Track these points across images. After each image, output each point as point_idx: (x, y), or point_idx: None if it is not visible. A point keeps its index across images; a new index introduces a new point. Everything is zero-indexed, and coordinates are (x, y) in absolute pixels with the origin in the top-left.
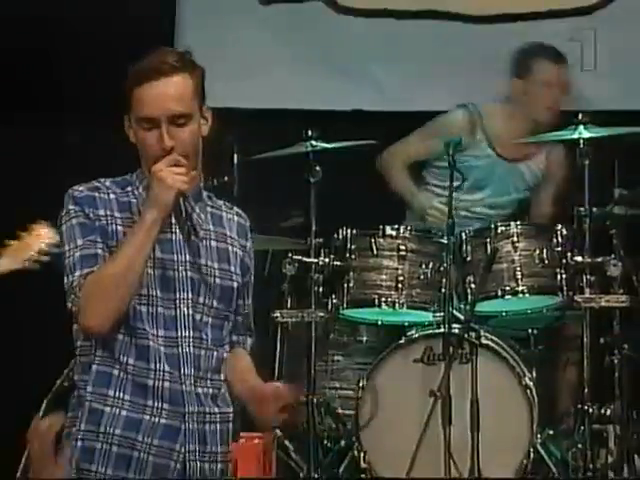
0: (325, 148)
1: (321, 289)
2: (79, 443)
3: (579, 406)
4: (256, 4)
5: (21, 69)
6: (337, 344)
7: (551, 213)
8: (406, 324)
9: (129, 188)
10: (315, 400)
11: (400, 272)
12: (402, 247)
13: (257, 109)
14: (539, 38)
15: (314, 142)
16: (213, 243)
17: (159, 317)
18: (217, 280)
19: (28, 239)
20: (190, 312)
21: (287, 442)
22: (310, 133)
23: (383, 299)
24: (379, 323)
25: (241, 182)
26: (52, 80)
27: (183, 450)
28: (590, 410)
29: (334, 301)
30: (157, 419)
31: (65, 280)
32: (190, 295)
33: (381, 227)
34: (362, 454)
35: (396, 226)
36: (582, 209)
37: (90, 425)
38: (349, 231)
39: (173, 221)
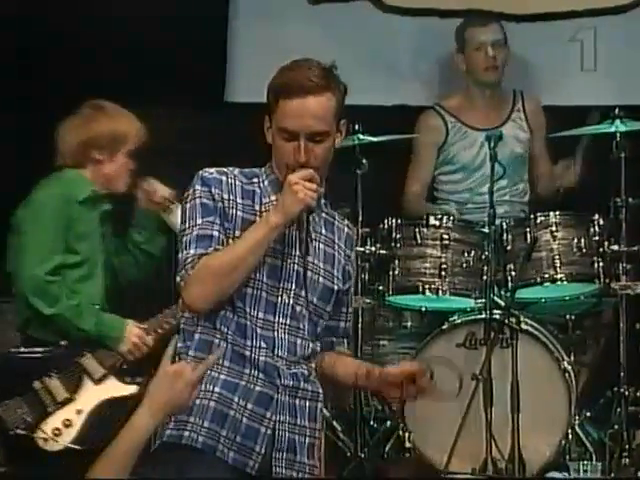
0: (371, 141)
1: (367, 277)
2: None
3: (615, 389)
4: (305, 3)
5: (81, 72)
6: (383, 329)
7: (551, 171)
8: (449, 310)
9: (255, 179)
10: None
11: (443, 260)
12: (445, 236)
13: None
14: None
15: (361, 136)
16: (322, 246)
17: (261, 300)
18: (320, 279)
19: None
20: (291, 302)
21: (335, 423)
22: (357, 127)
23: (427, 286)
24: (423, 309)
25: None
26: (106, 83)
27: (274, 418)
28: (626, 393)
29: (380, 288)
30: (252, 386)
31: (180, 255)
32: (294, 287)
33: (425, 217)
34: (407, 434)
35: (439, 216)
36: (618, 200)
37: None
38: (394, 221)
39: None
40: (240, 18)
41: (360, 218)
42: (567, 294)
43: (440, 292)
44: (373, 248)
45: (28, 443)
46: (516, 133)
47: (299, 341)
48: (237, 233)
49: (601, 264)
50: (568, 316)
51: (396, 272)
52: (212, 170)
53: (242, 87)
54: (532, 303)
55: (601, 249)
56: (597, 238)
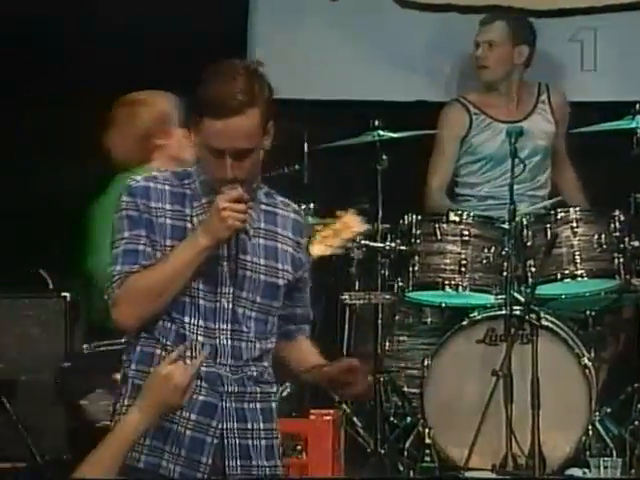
0: (391, 137)
1: (387, 272)
2: (122, 416)
3: (636, 385)
4: (325, 0)
5: (100, 71)
6: (402, 325)
7: (568, 166)
8: (469, 306)
9: (187, 180)
10: (382, 379)
11: (463, 256)
12: (465, 232)
13: (325, 100)
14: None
15: (381, 132)
16: (262, 241)
17: (200, 308)
18: (262, 276)
19: (339, 227)
20: (230, 306)
21: (355, 419)
22: (377, 123)
23: (447, 282)
24: (443, 305)
25: (311, 170)
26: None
27: (220, 426)
28: None
29: (400, 284)
30: (196, 396)
31: (110, 269)
32: (232, 290)
33: (445, 213)
34: (427, 430)
35: (459, 212)
36: (638, 196)
37: (132, 400)
38: (414, 217)
39: None
40: (261, 14)
41: (380, 214)
42: (587, 290)
43: (460, 288)
44: (393, 244)
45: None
46: (541, 125)
47: (243, 344)
48: (168, 242)
49: (621, 260)
50: (588, 312)
51: (416, 268)
52: (139, 178)
53: None
54: (552, 299)
55: (621, 245)
56: (617, 234)
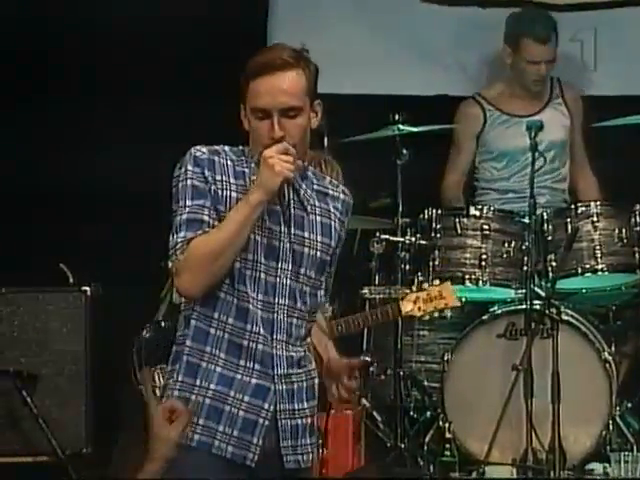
0: (411, 131)
1: (407, 267)
2: (175, 393)
3: None
4: None
5: (123, 70)
6: (423, 320)
7: (586, 159)
8: (489, 300)
9: (243, 158)
10: (402, 373)
11: (483, 251)
12: (485, 226)
13: (346, 94)
14: None
15: (401, 126)
16: (318, 218)
17: (261, 282)
18: (318, 253)
19: (433, 294)
20: (289, 282)
21: (375, 413)
22: (397, 117)
23: (467, 276)
24: (463, 300)
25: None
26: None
27: (272, 409)
28: None
29: (420, 278)
30: (248, 379)
31: (170, 238)
32: (291, 267)
33: (465, 207)
34: (447, 425)
35: (479, 206)
36: None
37: (187, 377)
38: (434, 211)
39: (284, 195)
40: (284, 6)
41: (400, 208)
42: (608, 285)
43: (480, 282)
44: (413, 238)
45: None
46: (557, 118)
47: (295, 321)
48: None
49: None
50: (609, 307)
51: (436, 262)
52: (204, 150)
53: None
54: (573, 294)
55: None
56: (638, 228)
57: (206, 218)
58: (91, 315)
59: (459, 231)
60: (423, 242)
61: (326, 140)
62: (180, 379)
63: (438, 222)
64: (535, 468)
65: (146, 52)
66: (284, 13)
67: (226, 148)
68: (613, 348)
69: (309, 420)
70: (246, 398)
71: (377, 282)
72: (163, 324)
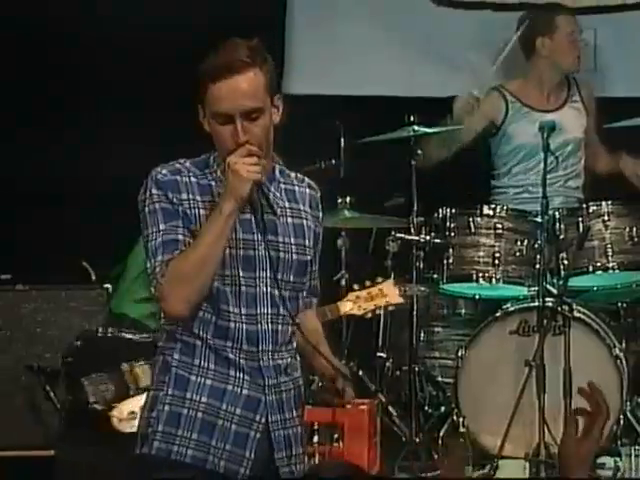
0: (426, 132)
1: (422, 265)
2: (166, 407)
3: None
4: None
5: (144, 69)
6: (437, 317)
7: (604, 155)
8: (502, 298)
9: (207, 170)
10: (417, 369)
11: (497, 249)
12: (498, 225)
13: (362, 96)
14: None
15: (416, 127)
16: (289, 220)
17: (242, 295)
18: (294, 256)
19: (374, 292)
20: (269, 290)
21: (391, 408)
22: (412, 118)
23: (480, 274)
24: (477, 297)
25: (347, 165)
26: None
27: (263, 420)
28: None
29: (434, 276)
30: (239, 389)
31: (148, 264)
32: (269, 273)
33: (479, 206)
34: (461, 419)
35: (493, 205)
36: None
37: (177, 391)
38: (448, 210)
39: (252, 202)
40: (298, 16)
41: (415, 207)
42: (619, 282)
43: (493, 280)
44: (428, 237)
45: (103, 420)
46: (574, 116)
47: (280, 327)
48: None
49: None
50: (620, 304)
51: (450, 261)
52: (164, 171)
53: (300, 79)
54: (584, 291)
55: None
56: None
57: (181, 237)
58: None
59: (473, 230)
60: (437, 240)
61: (342, 141)
62: (170, 392)
63: (452, 221)
64: (547, 462)
65: (151, 53)
66: (300, 17)
67: (187, 163)
68: (624, 344)
69: (299, 429)
70: (238, 411)
71: (392, 280)
72: (99, 334)
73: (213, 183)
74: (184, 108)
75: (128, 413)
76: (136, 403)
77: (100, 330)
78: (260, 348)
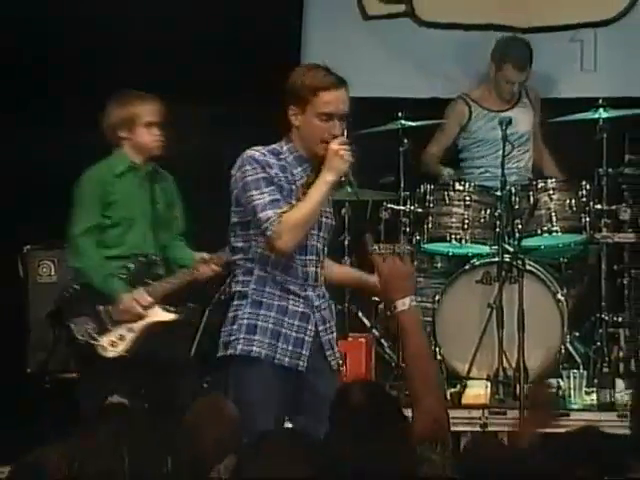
0: (410, 125)
1: (407, 229)
2: (245, 321)
3: (598, 315)
4: (360, 19)
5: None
6: (419, 269)
7: (544, 147)
8: (470, 255)
9: (281, 156)
10: None
11: (466, 216)
12: (467, 198)
13: (360, 97)
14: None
15: (403, 121)
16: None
17: (301, 245)
18: (330, 220)
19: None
20: (315, 243)
21: (382, 340)
22: (400, 114)
23: (453, 236)
24: (450, 254)
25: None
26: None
27: (313, 329)
28: (606, 318)
29: (417, 238)
30: (297, 307)
31: (259, 215)
32: (318, 232)
33: (452, 183)
34: (438, 349)
35: (463, 182)
36: (601, 170)
37: (253, 309)
38: (428, 186)
39: (347, 176)
40: (311, 33)
41: (402, 184)
42: (561, 242)
43: (463, 241)
44: (412, 207)
45: (91, 350)
46: (524, 114)
47: (319, 270)
48: (286, 199)
49: (587, 219)
50: (561, 259)
51: (429, 226)
52: (257, 153)
53: None
54: (534, 249)
55: (587, 208)
56: (584, 199)
57: (280, 197)
58: None
59: (447, 201)
60: (419, 210)
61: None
62: (248, 311)
63: (431, 194)
64: (504, 382)
65: (160, 53)
66: (314, 37)
67: (264, 150)
68: (565, 291)
69: (334, 335)
70: (296, 322)
71: (384, 240)
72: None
73: (286, 165)
74: (184, 108)
75: (109, 342)
76: (114, 334)
77: (75, 286)
78: (308, 282)
